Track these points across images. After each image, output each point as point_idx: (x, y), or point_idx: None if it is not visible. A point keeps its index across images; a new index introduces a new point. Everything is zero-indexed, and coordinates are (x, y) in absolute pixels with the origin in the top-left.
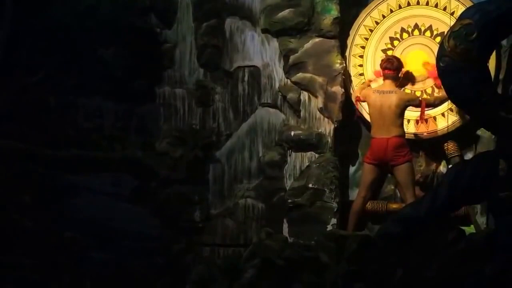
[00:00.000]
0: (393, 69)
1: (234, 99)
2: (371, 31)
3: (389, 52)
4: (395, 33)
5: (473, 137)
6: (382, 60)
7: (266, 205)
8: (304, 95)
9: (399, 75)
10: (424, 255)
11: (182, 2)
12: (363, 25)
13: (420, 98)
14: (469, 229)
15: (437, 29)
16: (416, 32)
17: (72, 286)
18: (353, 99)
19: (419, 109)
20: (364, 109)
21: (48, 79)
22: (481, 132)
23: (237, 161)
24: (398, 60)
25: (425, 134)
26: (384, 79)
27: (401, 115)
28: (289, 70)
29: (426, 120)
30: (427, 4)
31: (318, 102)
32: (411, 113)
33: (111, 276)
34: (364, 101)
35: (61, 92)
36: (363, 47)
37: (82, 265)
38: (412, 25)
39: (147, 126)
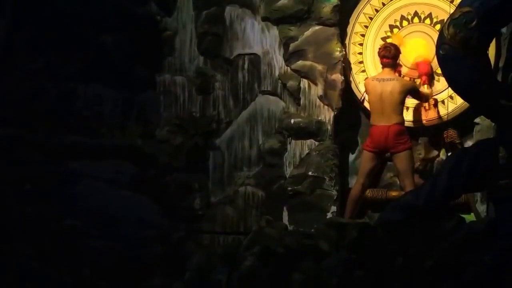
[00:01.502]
0: (390, 57)
1: (234, 87)
2: (371, 19)
3: (389, 40)
4: (395, 20)
5: (472, 124)
6: (379, 48)
7: (266, 193)
8: (304, 83)
9: (397, 62)
10: (424, 243)
11: None
12: (363, 13)
13: (419, 90)
14: (469, 217)
15: (436, 17)
16: (416, 19)
17: (71, 274)
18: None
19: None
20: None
21: (49, 66)
22: (481, 119)
23: (237, 148)
24: (395, 47)
25: (424, 121)
26: (382, 67)
27: (401, 102)
28: (289, 57)
29: (436, 104)
30: None
31: (318, 89)
32: (411, 100)
33: (111, 263)
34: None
35: (61, 79)
36: (362, 35)
37: (81, 253)
38: (412, 12)
39: (147, 113)
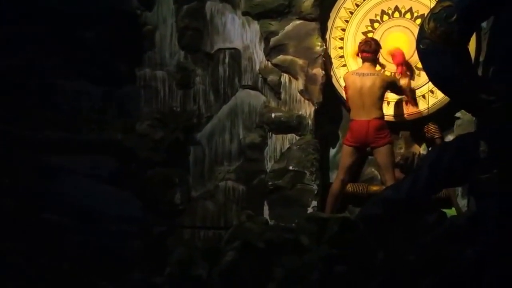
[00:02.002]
0: (371, 51)
1: (215, 81)
2: (352, 13)
3: (369, 35)
4: (376, 15)
5: (453, 119)
6: (360, 43)
7: (246, 187)
8: (285, 77)
9: (377, 57)
10: (405, 237)
11: None
12: (344, 8)
13: (400, 84)
14: (451, 212)
15: (417, 11)
16: (396, 14)
17: (51, 269)
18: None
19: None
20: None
21: (28, 61)
22: (462, 114)
23: (217, 143)
24: (376, 42)
25: (405, 116)
26: (362, 62)
27: (381, 97)
28: (269, 52)
29: (415, 100)
30: None
31: (299, 84)
32: (391, 95)
33: (91, 258)
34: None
35: (41, 74)
36: (343, 30)
37: (61, 248)
38: (393, 7)
39: (127, 108)
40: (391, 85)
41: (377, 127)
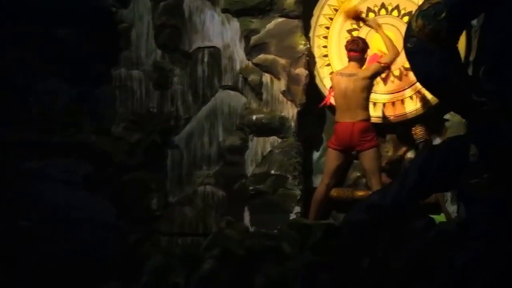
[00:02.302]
0: (358, 50)
1: (193, 82)
2: (336, 10)
3: (355, 33)
4: (361, 12)
5: (442, 121)
6: (347, 42)
7: (226, 192)
8: (266, 77)
9: (365, 56)
10: (392, 244)
11: None
12: (328, 5)
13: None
14: (439, 218)
15: (404, 9)
16: (382, 11)
17: (25, 276)
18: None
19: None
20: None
21: (2, 61)
22: (451, 116)
23: (196, 146)
24: (363, 41)
25: (392, 117)
26: (348, 61)
27: (367, 98)
28: (250, 51)
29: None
30: None
31: (281, 84)
32: (378, 96)
33: (65, 266)
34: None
35: (12, 73)
36: (327, 28)
37: (35, 255)
38: (379, 4)
39: (102, 109)
40: (376, 74)
41: (363, 130)
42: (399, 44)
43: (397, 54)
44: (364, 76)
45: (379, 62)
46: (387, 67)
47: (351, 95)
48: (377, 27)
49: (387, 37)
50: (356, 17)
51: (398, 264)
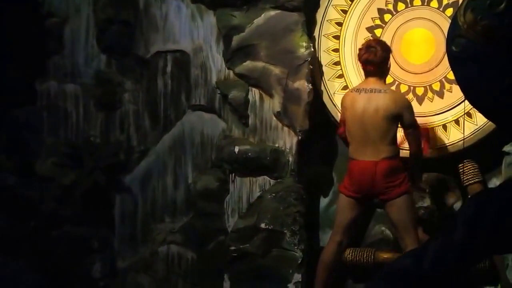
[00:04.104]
0: (376, 62)
1: (152, 100)
2: (351, 1)
3: (377, 31)
4: (387, 3)
5: (501, 154)
6: (360, 49)
7: (198, 254)
8: (254, 94)
9: (387, 67)
10: None
11: None
12: None
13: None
14: None
15: None
16: (417, 1)
17: None
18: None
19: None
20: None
21: None
22: None
23: (155, 190)
24: (383, 47)
25: (429, 151)
26: (365, 76)
27: (394, 125)
28: (231, 57)
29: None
30: None
31: (275, 103)
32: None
33: None
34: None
35: None
36: (339, 24)
37: None
38: None
39: (23, 139)
40: (407, 110)
41: (389, 171)
42: (441, 48)
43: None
44: (396, 99)
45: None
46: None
47: (373, 120)
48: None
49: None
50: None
51: None
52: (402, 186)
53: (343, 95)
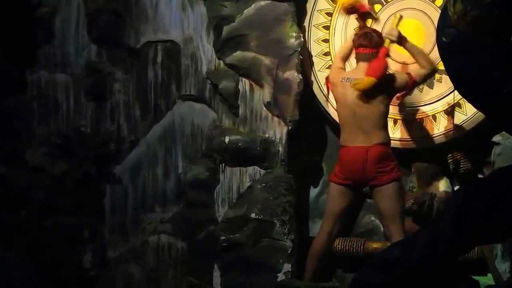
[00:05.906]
0: (371, 46)
1: (142, 90)
2: None
3: (368, 22)
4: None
5: (490, 144)
6: (355, 35)
7: (188, 244)
8: (244, 84)
9: (378, 56)
10: None
11: None
12: None
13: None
14: (485, 279)
15: None
16: None
17: None
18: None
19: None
20: (331, 104)
21: None
22: (502, 137)
23: (146, 180)
24: (379, 35)
25: (420, 140)
26: (357, 61)
27: (385, 113)
28: (222, 47)
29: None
30: None
31: (265, 94)
32: (403, 111)
33: None
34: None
35: None
36: (329, 14)
37: None
38: None
39: (13, 129)
40: (401, 88)
41: (379, 157)
42: (431, 38)
43: (433, 69)
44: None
45: (410, 76)
46: (416, 85)
47: (364, 108)
48: (395, 37)
49: (416, 48)
50: (356, 10)
51: None
52: (392, 172)
53: (334, 80)
